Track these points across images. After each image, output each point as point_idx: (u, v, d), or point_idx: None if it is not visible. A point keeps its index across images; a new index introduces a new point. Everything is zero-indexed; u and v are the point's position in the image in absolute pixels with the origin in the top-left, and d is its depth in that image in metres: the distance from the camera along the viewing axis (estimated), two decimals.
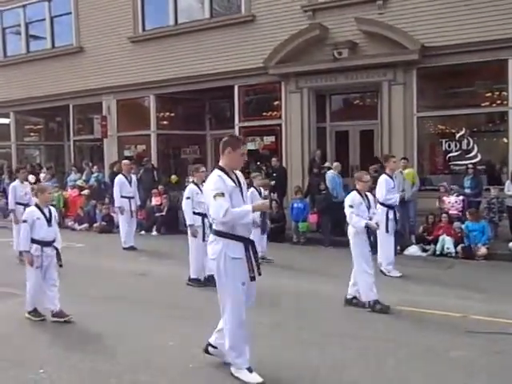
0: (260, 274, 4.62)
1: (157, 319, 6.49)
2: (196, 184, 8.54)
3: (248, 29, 15.26)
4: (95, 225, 15.22)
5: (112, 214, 14.83)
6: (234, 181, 4.58)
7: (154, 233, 14.49)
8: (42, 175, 18.56)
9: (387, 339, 5.69)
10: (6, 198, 16.93)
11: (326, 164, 13.97)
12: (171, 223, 14.56)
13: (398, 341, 5.64)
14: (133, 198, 12.09)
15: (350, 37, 13.69)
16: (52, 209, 6.63)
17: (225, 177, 4.53)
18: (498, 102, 13.08)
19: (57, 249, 6.44)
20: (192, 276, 8.31)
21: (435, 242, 11.03)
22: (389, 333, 5.92)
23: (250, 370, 4.57)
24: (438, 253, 10.87)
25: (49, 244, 6.40)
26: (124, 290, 7.92)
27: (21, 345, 5.62)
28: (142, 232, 14.47)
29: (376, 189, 9.10)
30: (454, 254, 10.67)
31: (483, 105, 13.31)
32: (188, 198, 8.41)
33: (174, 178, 16.29)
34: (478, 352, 5.28)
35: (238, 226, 4.49)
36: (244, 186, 4.73)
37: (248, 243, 4.57)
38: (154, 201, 15.10)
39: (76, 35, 18.70)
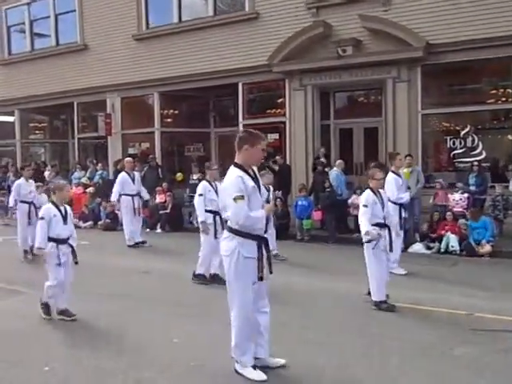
0: (271, 273, 4.59)
1: (161, 316, 6.50)
2: (208, 181, 8.49)
3: (252, 26, 15.24)
4: (100, 222, 15.26)
5: (116, 212, 14.85)
6: (252, 178, 4.50)
7: (159, 230, 14.51)
8: (46, 173, 18.61)
9: (391, 337, 5.69)
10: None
11: (321, 159, 13.90)
12: (175, 221, 14.60)
13: (402, 339, 5.64)
14: (135, 195, 12.10)
15: (354, 34, 13.66)
16: (67, 207, 6.60)
17: (245, 176, 4.44)
18: (503, 99, 13.04)
19: (72, 246, 6.43)
20: (197, 272, 8.30)
21: (439, 239, 11.01)
22: (393, 331, 5.92)
23: (254, 367, 4.56)
24: (442, 250, 10.84)
25: (64, 241, 6.38)
26: (128, 288, 7.94)
27: (25, 342, 5.63)
28: (147, 230, 14.50)
29: (385, 188, 9.06)
30: (458, 252, 10.65)
31: (488, 102, 13.26)
32: (201, 194, 8.35)
33: (179, 175, 16.31)
34: (483, 350, 5.27)
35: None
36: (260, 183, 4.66)
37: (261, 242, 4.50)
38: (158, 198, 15.12)
39: (80, 33, 18.73)
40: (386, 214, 7.01)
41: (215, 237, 8.21)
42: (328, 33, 13.96)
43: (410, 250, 11.02)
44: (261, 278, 4.48)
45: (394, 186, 8.90)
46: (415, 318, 6.39)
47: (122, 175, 12.15)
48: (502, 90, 13.11)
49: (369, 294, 6.85)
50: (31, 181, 10.98)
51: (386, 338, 5.67)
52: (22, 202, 10.50)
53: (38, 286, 8.05)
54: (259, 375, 4.52)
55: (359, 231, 12.01)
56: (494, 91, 13.24)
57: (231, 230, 4.51)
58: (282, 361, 4.76)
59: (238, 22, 15.47)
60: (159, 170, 16.38)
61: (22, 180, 10.74)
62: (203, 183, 8.53)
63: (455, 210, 11.69)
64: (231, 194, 4.35)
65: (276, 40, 14.52)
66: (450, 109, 13.71)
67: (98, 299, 6.41)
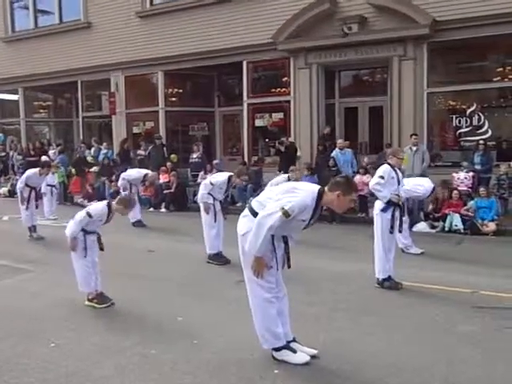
0: (289, 267, 4.41)
1: (166, 295, 6.55)
2: (230, 180, 8.33)
3: (257, 3, 15.07)
4: None
5: (121, 191, 14.88)
6: (314, 211, 4.19)
7: (163, 210, 14.56)
8: (50, 152, 18.64)
9: (395, 315, 5.72)
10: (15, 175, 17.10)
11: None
12: (180, 200, 14.63)
13: (405, 316, 5.67)
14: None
15: (359, 11, 13.52)
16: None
17: (310, 209, 4.13)
18: (510, 76, 12.92)
19: (98, 233, 6.27)
20: (208, 251, 8.31)
21: (444, 218, 11.01)
22: (397, 308, 5.95)
23: (294, 351, 4.44)
24: (446, 229, 10.86)
25: (92, 232, 6.21)
26: (133, 266, 7.99)
27: (31, 319, 5.69)
28: (151, 209, 14.56)
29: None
30: (462, 231, 10.66)
31: (495, 80, 13.16)
32: (212, 184, 8.29)
33: (173, 156, 16.25)
34: (486, 327, 5.31)
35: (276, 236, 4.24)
36: (316, 216, 4.28)
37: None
38: (162, 178, 15.14)
39: (84, 10, 18.59)
40: (400, 190, 7.01)
41: (214, 220, 8.28)
42: (333, 10, 13.81)
43: (415, 229, 11.02)
44: (289, 266, 4.39)
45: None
46: (419, 296, 6.41)
47: (138, 176, 12.37)
48: (508, 68, 13.00)
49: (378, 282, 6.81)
50: (43, 176, 10.95)
51: (390, 315, 5.70)
52: (27, 185, 10.54)
53: (44, 265, 8.17)
54: (301, 357, 4.42)
55: (363, 211, 12.16)
56: (500, 69, 13.13)
57: (252, 211, 4.35)
58: (313, 351, 4.56)
59: None
60: (164, 149, 16.37)
61: (34, 172, 10.66)
62: (225, 180, 8.30)
63: (460, 188, 11.67)
64: (286, 203, 4.07)
65: (281, 17, 14.37)
66: (456, 87, 13.60)
67: (103, 278, 6.43)
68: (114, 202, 6.21)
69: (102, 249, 6.23)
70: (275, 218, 4.07)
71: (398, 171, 7.11)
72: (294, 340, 4.58)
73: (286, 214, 4.05)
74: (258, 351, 4.63)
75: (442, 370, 4.34)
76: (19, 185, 10.63)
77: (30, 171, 10.70)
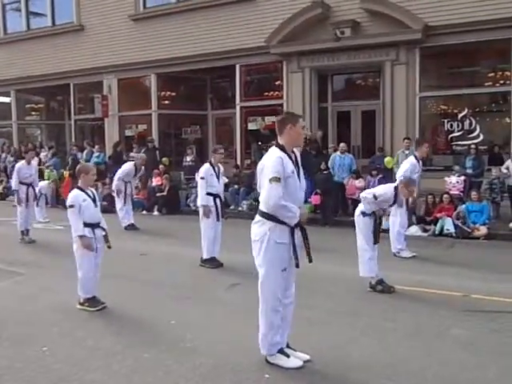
0: (311, 261, 4.41)
1: (158, 298, 6.54)
2: (211, 164, 8.35)
3: (250, 7, 15.12)
4: None
5: (113, 194, 14.85)
6: (293, 162, 4.33)
7: (156, 213, 14.53)
8: (42, 154, 18.56)
9: (387, 318, 5.73)
10: (8, 178, 17.02)
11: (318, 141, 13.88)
12: (172, 203, 14.61)
13: (398, 320, 5.69)
14: (129, 181, 12.32)
15: (352, 15, 13.57)
16: (93, 190, 6.36)
17: (286, 159, 4.26)
18: (501, 81, 13.02)
19: (105, 230, 6.21)
20: (205, 257, 8.26)
21: (435, 222, 11.06)
22: (389, 312, 5.96)
23: (287, 355, 4.45)
24: (437, 233, 10.90)
25: (97, 225, 6.16)
26: (126, 270, 7.96)
27: (23, 322, 5.66)
28: (144, 212, 14.52)
29: (400, 167, 9.15)
30: (454, 235, 10.70)
31: (486, 85, 13.26)
32: (202, 178, 8.24)
33: (165, 160, 16.23)
34: (477, 330, 5.33)
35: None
36: (300, 167, 4.44)
37: (294, 227, 4.32)
38: (155, 181, 15.11)
39: (76, 13, 18.57)
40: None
41: (217, 219, 8.25)
42: (326, 14, 13.86)
43: (407, 232, 11.01)
44: (297, 265, 4.36)
45: (409, 170, 8.83)
46: (411, 300, 6.43)
47: (130, 168, 12.34)
48: (500, 73, 13.09)
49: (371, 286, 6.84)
50: (33, 163, 11.00)
51: (382, 319, 5.71)
52: (21, 183, 10.52)
53: (36, 268, 8.13)
54: (294, 362, 4.43)
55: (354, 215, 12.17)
56: (491, 74, 13.23)
57: (263, 215, 4.33)
58: (306, 356, 4.56)
59: (237, 2, 15.34)
60: (157, 152, 16.36)
61: (22, 163, 10.72)
62: (206, 166, 8.37)
63: (452, 192, 11.72)
64: (267, 174, 4.19)
65: (274, 21, 14.41)
66: (448, 91, 13.69)
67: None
68: None
69: (109, 247, 6.18)
70: (273, 190, 4.15)
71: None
72: (287, 345, 4.58)
73: (274, 179, 4.14)
74: (251, 355, 4.62)
75: (435, 374, 4.36)
76: (14, 184, 10.61)
77: (18, 164, 10.73)
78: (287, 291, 4.47)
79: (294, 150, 4.47)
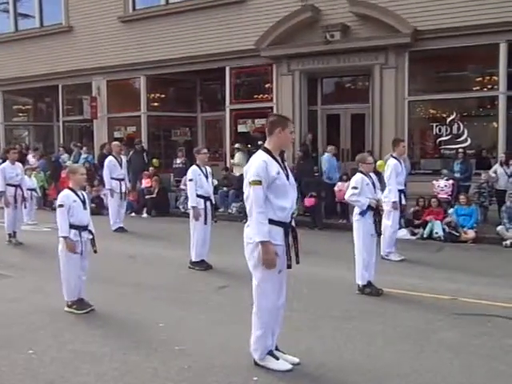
0: (298, 263, 4.40)
1: (147, 301, 6.51)
2: (198, 166, 8.35)
3: (240, 10, 15.12)
4: None
5: (102, 196, 14.80)
6: (280, 165, 4.35)
7: (145, 215, 14.48)
8: (29, 156, 18.41)
9: (376, 321, 5.74)
10: None
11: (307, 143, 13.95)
12: (161, 205, 14.56)
13: (386, 323, 5.70)
14: (123, 179, 12.04)
15: (342, 19, 13.61)
16: (84, 192, 6.31)
17: (270, 162, 4.28)
18: (489, 86, 13.11)
19: (92, 233, 6.16)
20: (193, 259, 8.23)
21: (424, 225, 11.11)
22: (377, 315, 5.97)
23: (276, 358, 4.45)
24: (425, 236, 10.95)
25: (85, 228, 6.10)
26: (114, 272, 7.92)
27: (9, 325, 5.60)
28: (133, 214, 14.46)
29: (385, 173, 9.17)
30: (442, 238, 10.75)
31: (474, 89, 13.35)
32: (191, 179, 8.23)
33: (155, 161, 16.17)
34: (465, 333, 5.35)
35: (278, 210, 4.28)
36: (288, 168, 4.51)
37: (288, 228, 4.35)
38: (144, 183, 15.06)
39: (65, 14, 18.47)
40: (378, 196, 7.06)
41: (205, 223, 8.22)
42: (316, 17, 13.90)
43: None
44: (289, 266, 4.34)
45: (393, 171, 8.92)
46: (400, 303, 6.45)
47: (110, 159, 12.04)
48: (487, 78, 13.18)
49: (359, 289, 6.85)
50: (18, 163, 10.84)
51: (370, 322, 5.72)
52: (8, 184, 10.37)
53: (23, 270, 8.06)
54: (284, 365, 4.43)
55: (344, 217, 12.23)
56: (479, 78, 13.32)
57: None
58: (295, 359, 4.57)
59: (226, 4, 15.32)
60: (145, 154, 16.29)
61: (7, 163, 10.59)
62: (193, 168, 8.37)
63: (440, 196, 11.78)
64: (249, 177, 4.27)
65: (264, 24, 14.42)
66: (436, 95, 13.76)
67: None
68: None
69: (95, 251, 6.14)
70: (253, 193, 4.20)
71: (373, 176, 7.17)
72: (276, 348, 4.57)
73: (254, 182, 4.21)
74: (239, 357, 4.61)
75: (423, 377, 4.36)
76: (3, 187, 10.41)
77: (3, 165, 10.56)
78: (280, 291, 4.45)
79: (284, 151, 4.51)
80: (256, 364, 4.49)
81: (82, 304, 6.05)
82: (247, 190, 4.29)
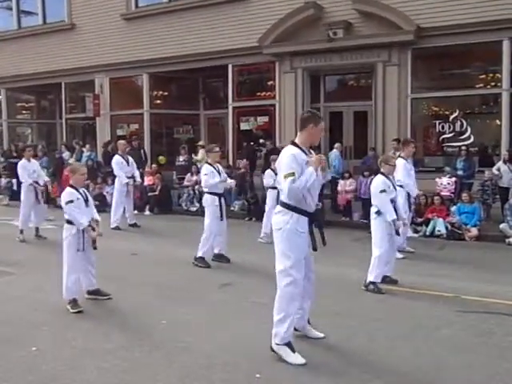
0: (325, 244, 4.67)
1: (149, 298, 6.51)
2: (210, 164, 8.41)
3: (243, 7, 15.10)
4: None
5: (104, 194, 14.81)
6: (306, 155, 4.60)
7: (147, 212, 14.47)
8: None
9: (378, 318, 5.74)
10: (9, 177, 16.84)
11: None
12: (164, 203, 14.56)
13: (388, 320, 5.70)
14: (130, 177, 12.08)
15: (344, 16, 13.59)
16: (85, 190, 6.37)
17: (299, 155, 4.51)
18: (492, 83, 13.08)
19: (94, 228, 6.16)
20: (198, 255, 8.26)
21: (426, 223, 11.09)
22: (380, 312, 5.97)
23: (293, 350, 4.53)
24: (427, 234, 10.93)
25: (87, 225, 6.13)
26: (117, 270, 7.92)
27: (12, 323, 5.61)
28: (135, 212, 14.43)
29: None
30: (445, 236, 10.74)
31: (477, 86, 13.32)
32: (206, 174, 8.32)
33: (161, 158, 16.17)
34: (467, 331, 5.35)
35: (307, 198, 4.52)
36: None
37: (312, 217, 4.60)
38: (147, 180, 15.06)
39: (68, 11, 18.48)
40: (395, 198, 7.05)
41: (221, 219, 8.30)
42: (319, 15, 13.88)
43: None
44: (314, 249, 4.62)
45: (404, 171, 8.89)
46: (403, 301, 6.45)
47: (117, 158, 12.08)
48: (491, 75, 13.15)
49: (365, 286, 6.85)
50: (33, 160, 11.00)
51: (373, 319, 5.72)
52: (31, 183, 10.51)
53: (27, 268, 8.08)
54: (297, 359, 4.50)
55: (346, 215, 12.25)
56: (483, 76, 13.29)
57: (284, 205, 4.57)
58: (321, 334, 5.00)
59: (229, 2, 15.31)
60: (142, 151, 16.23)
61: (24, 161, 10.70)
62: (205, 166, 8.48)
63: (443, 193, 11.76)
64: (283, 171, 4.49)
65: (267, 21, 14.40)
66: (439, 93, 13.73)
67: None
68: None
69: (95, 248, 6.20)
70: (289, 184, 4.42)
71: (392, 178, 7.17)
72: (308, 321, 4.96)
73: (288, 175, 4.42)
74: (242, 354, 4.62)
75: (427, 374, 4.36)
76: (24, 180, 10.47)
77: (20, 163, 10.72)
78: (309, 272, 4.75)
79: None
80: (272, 350, 4.57)
81: (76, 305, 6.04)
82: (283, 182, 4.48)
